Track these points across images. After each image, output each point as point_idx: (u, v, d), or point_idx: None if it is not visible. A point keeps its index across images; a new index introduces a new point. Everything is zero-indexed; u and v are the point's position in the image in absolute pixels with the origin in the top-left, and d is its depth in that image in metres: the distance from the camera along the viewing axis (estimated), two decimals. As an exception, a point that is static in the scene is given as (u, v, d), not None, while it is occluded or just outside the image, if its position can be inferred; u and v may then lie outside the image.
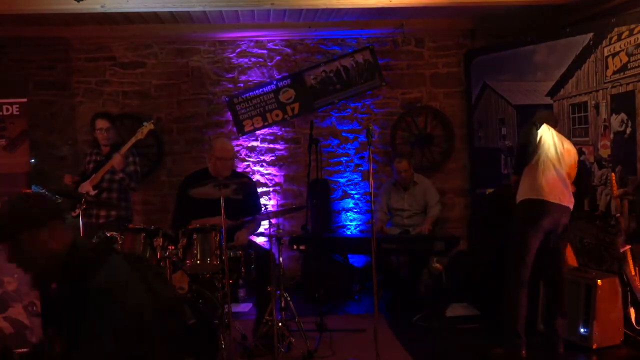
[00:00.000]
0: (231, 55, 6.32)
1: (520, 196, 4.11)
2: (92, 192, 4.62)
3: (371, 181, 3.87)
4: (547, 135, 4.09)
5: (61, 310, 1.91)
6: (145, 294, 1.90)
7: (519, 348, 3.98)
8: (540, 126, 4.16)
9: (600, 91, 4.73)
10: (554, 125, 4.25)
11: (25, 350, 2.47)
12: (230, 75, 6.32)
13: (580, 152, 4.86)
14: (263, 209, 4.89)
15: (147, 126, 4.74)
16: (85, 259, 1.90)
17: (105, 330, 1.77)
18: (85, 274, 1.85)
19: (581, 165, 4.27)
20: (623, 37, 4.51)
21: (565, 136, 4.35)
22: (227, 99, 6.24)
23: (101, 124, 4.87)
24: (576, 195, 4.18)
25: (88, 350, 1.77)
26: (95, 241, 2.03)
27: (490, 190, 5.46)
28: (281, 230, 4.31)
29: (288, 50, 6.34)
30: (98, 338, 1.77)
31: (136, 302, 1.86)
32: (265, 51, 6.33)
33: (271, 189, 6.38)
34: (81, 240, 2.01)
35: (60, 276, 1.94)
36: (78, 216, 4.67)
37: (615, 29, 4.58)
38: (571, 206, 4.08)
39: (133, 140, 4.72)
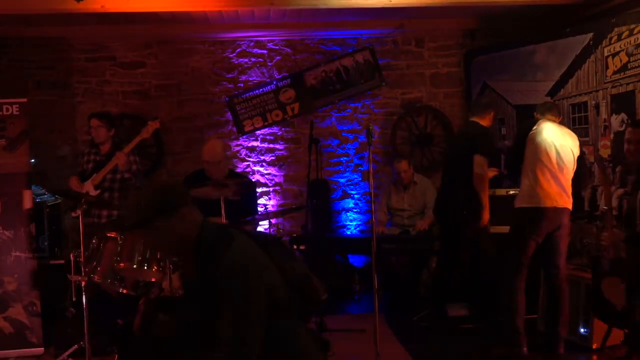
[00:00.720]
0: (231, 55, 6.32)
1: (518, 202, 4.13)
2: (94, 192, 4.61)
3: (371, 181, 3.86)
4: (548, 133, 4.08)
5: (197, 291, 2.03)
6: (275, 270, 1.98)
7: (520, 346, 3.97)
8: (541, 117, 4.17)
9: (600, 91, 4.73)
10: (556, 116, 4.24)
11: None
12: (230, 75, 6.32)
13: (582, 155, 4.87)
14: (263, 209, 4.90)
15: (153, 124, 4.70)
16: (215, 240, 2.00)
17: (242, 307, 1.86)
18: (216, 255, 1.94)
19: (580, 161, 4.28)
20: (623, 37, 4.51)
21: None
22: (227, 99, 6.24)
23: (92, 122, 4.82)
24: (574, 193, 4.18)
25: (230, 329, 1.85)
26: (221, 224, 2.11)
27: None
28: (281, 230, 4.31)
29: (288, 50, 6.34)
30: (237, 316, 1.85)
31: (268, 278, 1.93)
32: (265, 51, 6.33)
33: (271, 189, 6.38)
34: (209, 223, 2.09)
35: (194, 258, 2.05)
36: (79, 216, 4.69)
37: (615, 29, 4.58)
38: (570, 206, 4.08)
39: (138, 138, 4.69)
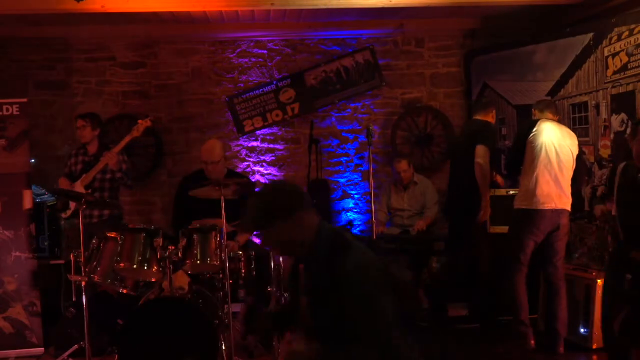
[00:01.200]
0: (231, 55, 6.31)
1: (517, 203, 4.17)
2: (84, 193, 4.60)
3: (371, 181, 3.87)
4: (547, 134, 4.09)
5: (312, 290, 2.08)
6: (386, 277, 2.00)
7: (527, 337, 4.00)
8: (540, 115, 4.19)
9: (600, 91, 4.73)
10: (554, 114, 4.27)
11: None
12: (230, 75, 6.32)
13: (580, 152, 4.88)
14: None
15: (143, 123, 4.67)
16: (332, 245, 2.03)
17: (375, 306, 1.89)
18: (334, 258, 1.97)
19: (578, 160, 4.30)
20: (623, 37, 4.50)
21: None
22: (227, 99, 6.24)
23: (77, 122, 4.84)
24: (573, 192, 4.20)
25: (366, 327, 1.88)
26: (336, 227, 2.13)
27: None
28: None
29: (288, 50, 6.34)
30: (371, 316, 1.88)
31: (380, 285, 1.95)
32: (265, 51, 6.33)
33: (271, 189, 6.36)
34: (325, 226, 2.11)
35: (310, 260, 2.09)
36: (71, 217, 4.69)
37: (615, 29, 4.57)
38: (568, 207, 4.10)
39: (128, 138, 4.65)
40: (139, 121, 4.69)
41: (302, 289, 2.17)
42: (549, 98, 4.45)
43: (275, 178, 6.39)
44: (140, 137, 4.83)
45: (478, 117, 4.83)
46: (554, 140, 4.08)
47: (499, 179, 5.06)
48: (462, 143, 4.82)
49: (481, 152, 4.48)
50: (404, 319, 2.03)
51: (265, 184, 2.18)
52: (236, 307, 5.23)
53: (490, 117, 4.83)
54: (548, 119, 4.22)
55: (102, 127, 5.02)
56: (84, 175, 4.70)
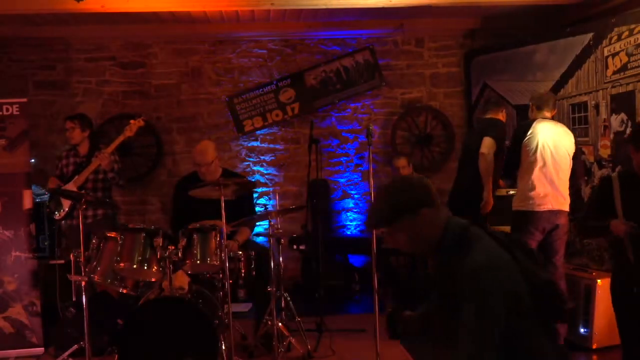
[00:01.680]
0: (231, 55, 6.31)
1: (515, 205, 4.22)
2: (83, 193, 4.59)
3: (371, 181, 3.87)
4: (543, 135, 4.11)
5: (437, 288, 2.04)
6: (520, 276, 1.91)
7: None
8: (537, 113, 4.20)
9: (600, 91, 4.73)
10: (552, 109, 4.28)
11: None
12: (230, 75, 6.32)
13: (580, 152, 4.87)
14: (263, 209, 4.88)
15: (136, 123, 4.65)
16: (459, 241, 1.98)
17: (483, 311, 1.81)
18: (460, 256, 1.91)
19: (575, 159, 4.32)
20: (623, 37, 4.50)
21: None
22: (227, 99, 6.24)
23: (66, 124, 4.83)
24: (572, 191, 4.23)
25: (468, 335, 1.83)
26: (465, 223, 2.09)
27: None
28: (281, 231, 4.31)
29: (288, 50, 6.34)
30: (477, 321, 1.81)
31: (512, 284, 1.87)
32: (265, 51, 6.33)
33: (271, 189, 6.37)
34: (452, 222, 2.06)
35: (436, 256, 2.05)
36: (64, 218, 4.68)
37: (615, 29, 4.57)
38: (566, 207, 4.13)
39: (121, 138, 4.63)
40: (132, 121, 4.66)
41: (432, 287, 2.15)
42: (546, 91, 4.44)
43: (275, 178, 6.39)
44: (136, 137, 4.81)
45: (489, 115, 4.86)
46: (550, 141, 4.11)
47: (501, 183, 5.05)
48: (473, 141, 4.80)
49: (486, 143, 4.53)
50: (545, 320, 1.96)
51: (393, 180, 2.14)
52: (236, 308, 5.25)
53: (501, 116, 4.89)
54: (544, 117, 4.23)
55: (92, 127, 5.00)
56: (76, 177, 4.69)
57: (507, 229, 4.43)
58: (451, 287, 1.91)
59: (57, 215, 4.72)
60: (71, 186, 4.64)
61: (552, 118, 4.37)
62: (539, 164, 4.08)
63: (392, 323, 2.29)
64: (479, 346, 1.81)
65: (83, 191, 4.60)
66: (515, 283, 1.87)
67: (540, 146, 4.09)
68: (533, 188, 4.07)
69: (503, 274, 1.86)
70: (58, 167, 4.94)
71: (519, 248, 2.01)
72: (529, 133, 4.13)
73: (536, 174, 4.07)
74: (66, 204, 4.64)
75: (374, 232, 1.88)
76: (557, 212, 4.08)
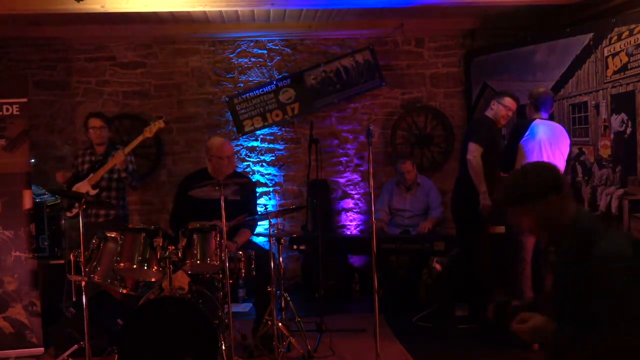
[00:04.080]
0: (231, 55, 6.32)
1: None
2: (92, 192, 4.61)
3: (371, 181, 3.87)
4: (540, 137, 4.14)
5: (564, 275, 2.06)
6: None
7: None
8: (535, 113, 4.21)
9: (600, 91, 4.73)
10: (548, 109, 4.30)
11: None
12: (230, 75, 6.32)
13: (580, 152, 4.88)
14: (263, 209, 4.88)
15: (156, 124, 4.65)
16: (590, 228, 2.02)
17: (613, 297, 1.86)
18: (591, 245, 1.94)
19: (568, 164, 4.35)
20: (623, 37, 4.51)
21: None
22: (227, 99, 6.24)
23: (94, 122, 4.81)
24: None
25: (611, 320, 1.87)
26: (593, 215, 2.15)
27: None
28: (281, 230, 4.31)
29: (288, 50, 6.34)
30: (606, 308, 1.87)
31: (634, 278, 1.89)
32: (265, 51, 6.33)
33: (271, 189, 6.37)
34: (583, 213, 2.11)
35: (564, 244, 2.08)
36: (76, 216, 4.68)
37: (615, 29, 4.58)
38: None
39: (140, 138, 4.67)
40: (152, 122, 4.68)
41: (550, 270, 2.18)
42: (544, 90, 4.41)
43: (275, 178, 6.39)
44: (149, 138, 4.81)
45: (484, 113, 4.82)
46: (546, 143, 4.16)
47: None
48: (464, 145, 4.84)
49: (471, 149, 4.51)
50: None
51: (525, 164, 2.20)
52: (236, 308, 5.25)
53: (492, 112, 4.77)
54: (542, 118, 4.25)
55: (112, 128, 5.05)
56: (91, 175, 4.71)
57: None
58: (581, 272, 1.94)
59: (70, 213, 4.75)
60: (85, 184, 4.66)
61: (551, 117, 4.39)
62: None
63: (501, 315, 2.31)
64: (622, 331, 1.85)
65: (97, 190, 4.64)
66: None
67: (537, 147, 4.12)
68: None
69: (631, 264, 1.89)
70: (74, 165, 4.95)
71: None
72: (526, 133, 4.16)
73: None
74: None
75: (507, 211, 1.93)
76: None
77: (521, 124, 4.31)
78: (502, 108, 4.59)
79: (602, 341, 1.87)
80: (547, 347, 2.07)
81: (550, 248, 2.18)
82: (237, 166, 6.19)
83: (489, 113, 4.68)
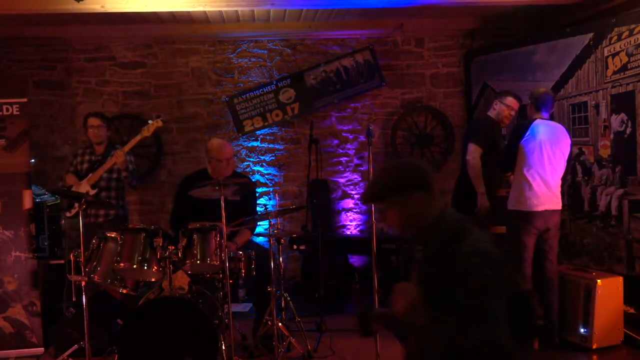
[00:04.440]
0: (231, 55, 6.31)
1: (510, 204, 4.29)
2: (92, 192, 4.61)
3: (371, 181, 3.86)
4: (541, 137, 4.15)
5: (426, 271, 2.09)
6: (503, 274, 1.96)
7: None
8: (535, 114, 4.22)
9: (600, 91, 4.73)
10: (550, 107, 4.31)
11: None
12: (230, 75, 6.32)
13: (580, 152, 4.88)
14: (263, 209, 4.88)
15: (154, 123, 4.66)
16: (455, 227, 2.04)
17: (476, 290, 1.88)
18: (455, 240, 1.97)
19: (568, 163, 4.36)
20: (623, 37, 4.51)
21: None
22: (227, 99, 6.24)
23: (92, 121, 4.81)
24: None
25: (469, 310, 1.87)
26: (461, 216, 2.14)
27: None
28: (281, 230, 4.31)
29: (288, 50, 6.34)
30: (472, 298, 1.87)
31: (497, 274, 1.92)
32: (265, 51, 6.33)
33: (271, 189, 6.37)
34: (450, 213, 2.12)
35: (431, 241, 2.09)
36: (76, 216, 4.68)
37: (615, 29, 4.57)
38: (559, 207, 4.25)
39: (138, 137, 4.67)
40: (151, 121, 4.68)
41: (414, 269, 2.19)
42: (545, 90, 4.40)
43: (275, 178, 6.39)
44: (148, 138, 4.81)
45: (487, 113, 4.83)
46: (546, 143, 4.16)
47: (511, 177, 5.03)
48: (464, 145, 4.86)
49: (470, 149, 4.54)
50: (518, 333, 1.97)
51: (396, 161, 2.17)
52: (236, 308, 5.24)
53: (493, 111, 4.77)
54: (542, 118, 4.26)
55: (112, 127, 5.04)
56: (90, 174, 4.70)
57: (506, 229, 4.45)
58: (442, 273, 1.95)
59: (69, 213, 4.75)
60: (84, 184, 4.66)
61: (550, 117, 4.39)
62: (536, 164, 4.14)
63: (364, 322, 2.30)
64: (488, 316, 1.86)
65: (96, 190, 4.64)
66: (498, 274, 1.92)
67: (537, 147, 4.14)
68: (530, 188, 4.14)
69: (491, 261, 1.92)
70: (72, 163, 4.93)
71: (504, 254, 2.04)
72: (527, 133, 4.18)
73: (532, 175, 4.15)
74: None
75: (371, 207, 1.97)
76: (552, 212, 4.19)
77: (522, 124, 4.32)
78: (504, 108, 4.60)
79: (465, 335, 1.87)
80: (412, 330, 2.06)
81: (418, 247, 2.16)
82: (237, 166, 6.20)
83: (491, 113, 4.68)
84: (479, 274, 1.89)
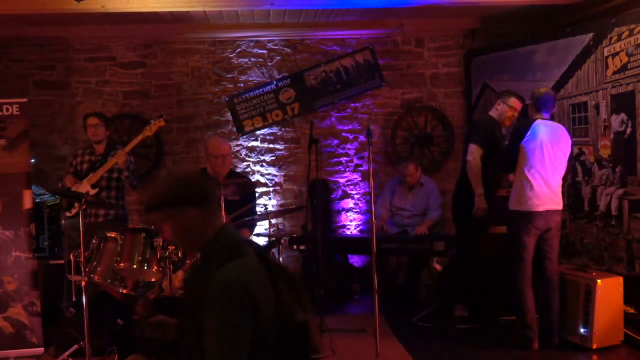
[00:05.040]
0: (231, 55, 6.31)
1: (511, 204, 4.29)
2: (92, 192, 4.60)
3: (371, 181, 3.87)
4: (541, 137, 4.15)
5: (191, 291, 2.02)
6: (272, 307, 1.88)
7: (531, 340, 4.10)
8: (536, 114, 4.22)
9: (600, 91, 4.73)
10: (550, 109, 4.30)
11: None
12: (230, 75, 6.32)
13: (580, 152, 4.88)
14: (263, 209, 4.88)
15: (157, 122, 4.64)
16: (223, 251, 1.94)
17: (220, 325, 1.80)
18: (218, 264, 1.89)
19: (569, 162, 4.36)
20: (623, 37, 4.51)
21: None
22: (227, 99, 6.24)
23: (90, 120, 4.80)
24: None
25: (214, 342, 1.81)
26: (239, 239, 2.06)
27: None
28: (281, 230, 4.31)
29: (288, 50, 6.34)
30: (215, 331, 1.80)
31: (255, 305, 1.83)
32: (265, 51, 6.33)
33: (271, 189, 6.38)
34: (228, 234, 2.03)
35: (200, 259, 2.04)
36: (75, 216, 4.68)
37: (615, 29, 4.58)
38: (560, 207, 4.25)
39: (140, 137, 4.66)
40: (153, 121, 4.67)
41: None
42: (546, 91, 4.37)
43: (275, 178, 6.39)
44: (149, 137, 4.81)
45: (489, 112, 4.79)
46: (547, 144, 4.16)
47: (511, 177, 5.01)
48: (464, 146, 4.84)
49: (470, 150, 4.50)
50: (291, 352, 1.91)
51: (179, 173, 2.11)
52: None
53: (495, 111, 4.73)
54: (543, 118, 4.26)
55: (111, 127, 5.03)
56: (91, 174, 4.70)
57: (506, 229, 4.45)
58: (199, 295, 1.87)
59: (69, 213, 4.74)
60: (84, 184, 4.65)
61: (551, 117, 4.39)
62: (537, 165, 4.14)
63: (140, 328, 2.28)
64: None
65: (96, 189, 4.63)
66: (256, 305, 1.83)
67: (538, 148, 4.14)
68: (531, 188, 4.14)
69: (244, 293, 1.81)
70: (72, 164, 4.92)
71: (289, 283, 1.98)
72: (528, 134, 4.17)
73: (532, 175, 4.15)
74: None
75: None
76: (553, 212, 4.19)
77: (522, 124, 4.31)
78: (507, 109, 4.54)
79: None
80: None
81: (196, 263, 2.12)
82: (235, 166, 6.20)
83: (493, 113, 4.63)
84: (224, 305, 1.80)
